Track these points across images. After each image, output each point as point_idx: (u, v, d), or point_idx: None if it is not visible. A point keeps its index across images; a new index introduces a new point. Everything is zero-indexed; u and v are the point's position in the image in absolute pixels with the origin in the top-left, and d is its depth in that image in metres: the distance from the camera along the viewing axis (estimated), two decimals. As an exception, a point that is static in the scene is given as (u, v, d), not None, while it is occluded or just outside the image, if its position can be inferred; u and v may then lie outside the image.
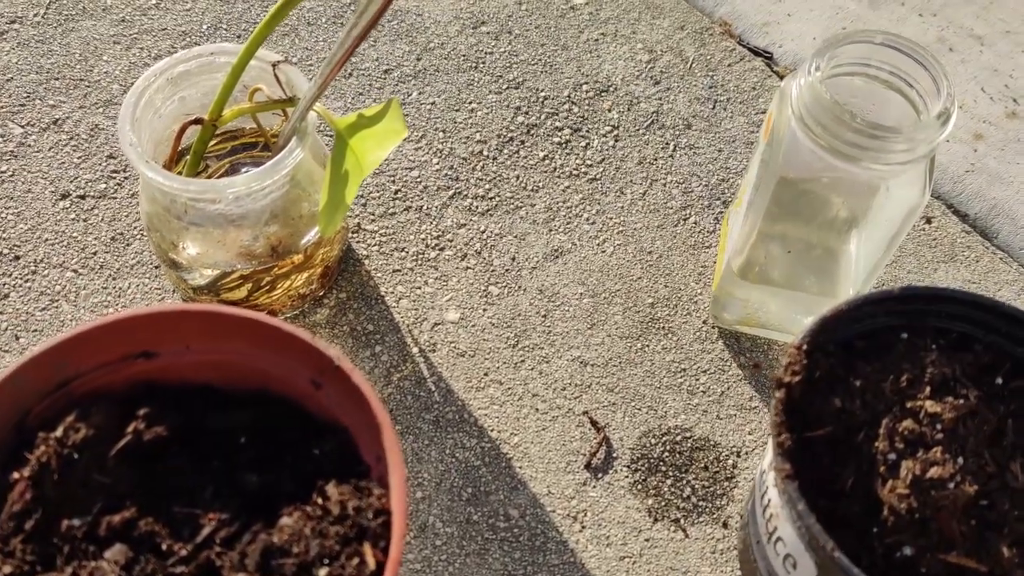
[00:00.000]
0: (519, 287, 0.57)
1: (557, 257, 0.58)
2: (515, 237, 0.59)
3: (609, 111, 0.64)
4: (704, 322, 0.56)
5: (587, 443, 0.52)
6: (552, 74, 0.65)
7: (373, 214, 0.59)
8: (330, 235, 0.50)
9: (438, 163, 0.61)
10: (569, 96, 0.65)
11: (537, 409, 0.53)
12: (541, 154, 0.62)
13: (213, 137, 0.49)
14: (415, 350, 0.54)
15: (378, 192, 0.60)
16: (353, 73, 0.64)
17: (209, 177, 0.52)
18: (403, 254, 0.58)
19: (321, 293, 0.55)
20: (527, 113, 0.64)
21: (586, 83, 0.65)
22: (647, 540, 0.50)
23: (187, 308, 0.38)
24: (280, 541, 0.34)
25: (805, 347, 0.40)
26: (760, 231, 0.51)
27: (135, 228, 0.57)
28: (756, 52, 0.68)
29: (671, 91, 0.65)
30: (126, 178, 0.59)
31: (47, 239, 0.56)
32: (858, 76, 0.47)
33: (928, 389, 0.39)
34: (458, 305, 0.56)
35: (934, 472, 0.37)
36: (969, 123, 0.65)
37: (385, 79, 0.64)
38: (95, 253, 0.56)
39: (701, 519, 0.50)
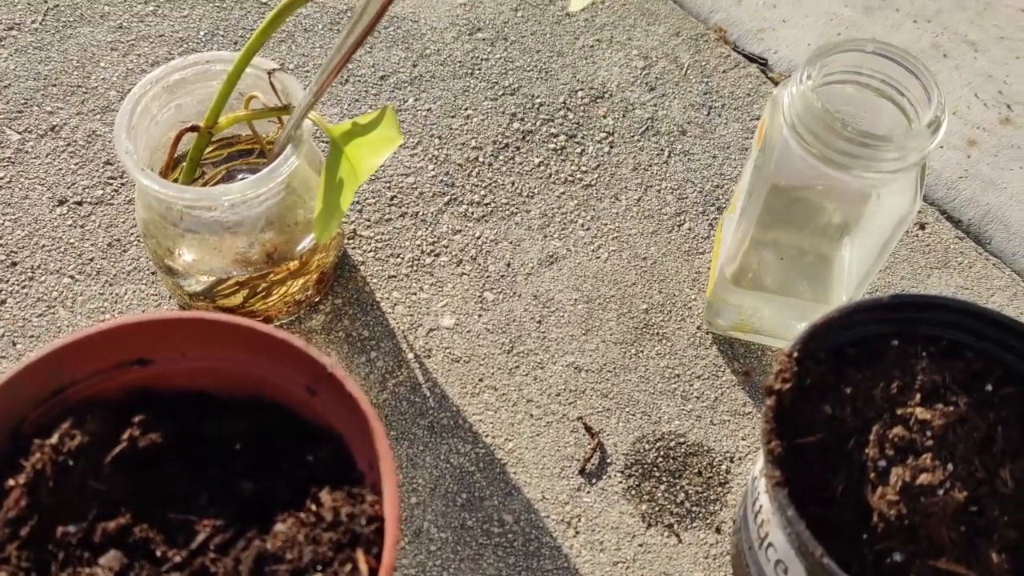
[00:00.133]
0: (514, 293, 0.57)
1: (552, 263, 0.58)
2: (510, 243, 0.59)
3: (604, 117, 0.64)
4: (698, 328, 0.57)
5: (581, 449, 0.52)
6: (548, 80, 0.66)
7: (368, 220, 0.59)
8: (325, 242, 0.51)
9: (434, 169, 0.61)
10: (564, 102, 0.65)
11: (531, 415, 0.53)
12: (536, 160, 0.62)
13: (209, 144, 0.50)
14: (410, 356, 0.55)
15: (374, 198, 0.60)
16: (349, 79, 0.65)
17: (205, 184, 0.52)
18: (398, 260, 0.58)
19: (317, 299, 0.55)
20: (522, 119, 0.64)
21: (581, 89, 0.66)
22: (641, 545, 0.50)
23: (182, 316, 0.38)
24: (274, 548, 0.34)
25: (796, 354, 0.40)
26: (753, 237, 0.51)
27: (132, 234, 0.57)
28: (751, 58, 0.69)
29: (666, 97, 0.66)
30: (123, 184, 0.59)
31: (44, 245, 0.57)
32: (850, 84, 0.47)
33: (918, 396, 0.40)
34: (453, 311, 0.56)
35: (924, 479, 0.37)
36: (963, 129, 0.66)
37: (381, 85, 0.65)
38: (92, 259, 0.57)
39: (694, 524, 0.51)
